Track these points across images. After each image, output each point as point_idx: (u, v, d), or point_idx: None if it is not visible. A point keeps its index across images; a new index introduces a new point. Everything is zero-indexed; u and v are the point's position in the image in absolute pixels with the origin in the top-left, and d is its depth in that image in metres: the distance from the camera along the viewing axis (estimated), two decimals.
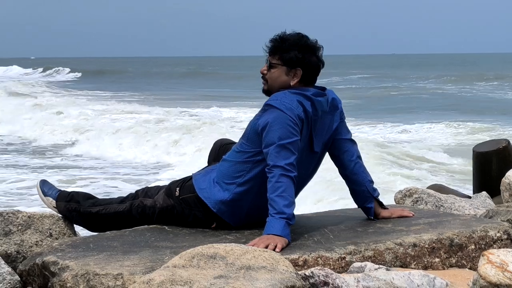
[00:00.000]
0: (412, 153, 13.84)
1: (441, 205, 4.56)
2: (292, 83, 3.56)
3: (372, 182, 3.77)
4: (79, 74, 65.59)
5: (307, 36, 3.61)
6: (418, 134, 17.44)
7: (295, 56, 3.54)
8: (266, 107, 3.48)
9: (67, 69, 70.84)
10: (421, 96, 32.73)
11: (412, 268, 3.21)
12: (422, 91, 36.04)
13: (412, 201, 4.67)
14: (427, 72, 55.77)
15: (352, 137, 3.78)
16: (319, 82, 3.69)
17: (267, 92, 3.63)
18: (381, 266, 3.04)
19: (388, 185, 9.61)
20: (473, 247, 3.40)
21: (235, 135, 6.70)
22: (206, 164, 3.92)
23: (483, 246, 3.41)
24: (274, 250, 3.11)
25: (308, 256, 3.13)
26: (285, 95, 3.47)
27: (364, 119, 21.18)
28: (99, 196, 4.07)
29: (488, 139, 9.67)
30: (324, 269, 2.78)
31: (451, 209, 4.52)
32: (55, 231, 3.79)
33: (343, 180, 3.81)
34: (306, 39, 3.59)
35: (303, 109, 3.44)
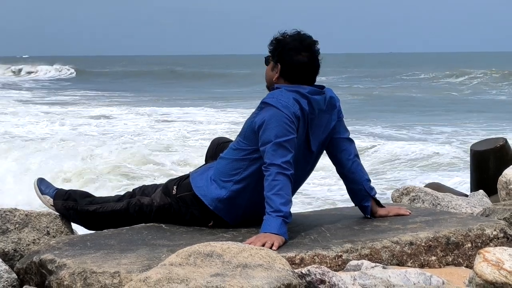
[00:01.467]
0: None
1: (438, 204, 4.56)
2: (273, 78, 3.61)
3: (369, 181, 3.78)
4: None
5: (306, 35, 3.60)
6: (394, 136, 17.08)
7: (277, 51, 3.58)
8: (263, 105, 3.48)
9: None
10: (410, 95, 32.66)
11: (408, 266, 3.22)
12: (411, 90, 35.99)
13: (409, 199, 4.67)
14: (420, 70, 55.47)
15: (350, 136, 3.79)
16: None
17: (268, 87, 3.68)
18: (377, 264, 3.04)
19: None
20: (469, 245, 3.40)
21: None
22: (204, 162, 3.93)
23: (479, 244, 3.41)
24: (271, 248, 3.11)
25: (305, 254, 3.14)
26: (281, 93, 3.48)
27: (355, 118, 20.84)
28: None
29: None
30: (321, 267, 2.78)
31: (448, 207, 4.52)
32: (53, 229, 3.79)
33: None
34: (298, 38, 3.57)
35: (299, 107, 3.45)
